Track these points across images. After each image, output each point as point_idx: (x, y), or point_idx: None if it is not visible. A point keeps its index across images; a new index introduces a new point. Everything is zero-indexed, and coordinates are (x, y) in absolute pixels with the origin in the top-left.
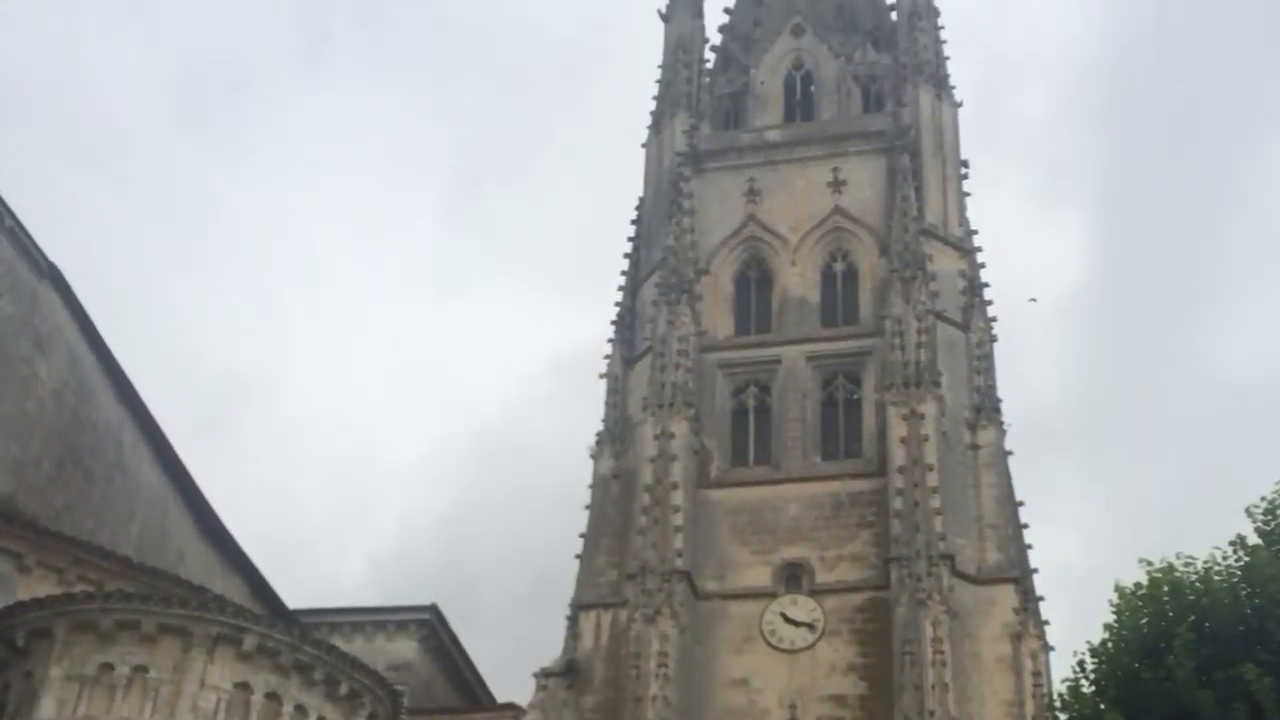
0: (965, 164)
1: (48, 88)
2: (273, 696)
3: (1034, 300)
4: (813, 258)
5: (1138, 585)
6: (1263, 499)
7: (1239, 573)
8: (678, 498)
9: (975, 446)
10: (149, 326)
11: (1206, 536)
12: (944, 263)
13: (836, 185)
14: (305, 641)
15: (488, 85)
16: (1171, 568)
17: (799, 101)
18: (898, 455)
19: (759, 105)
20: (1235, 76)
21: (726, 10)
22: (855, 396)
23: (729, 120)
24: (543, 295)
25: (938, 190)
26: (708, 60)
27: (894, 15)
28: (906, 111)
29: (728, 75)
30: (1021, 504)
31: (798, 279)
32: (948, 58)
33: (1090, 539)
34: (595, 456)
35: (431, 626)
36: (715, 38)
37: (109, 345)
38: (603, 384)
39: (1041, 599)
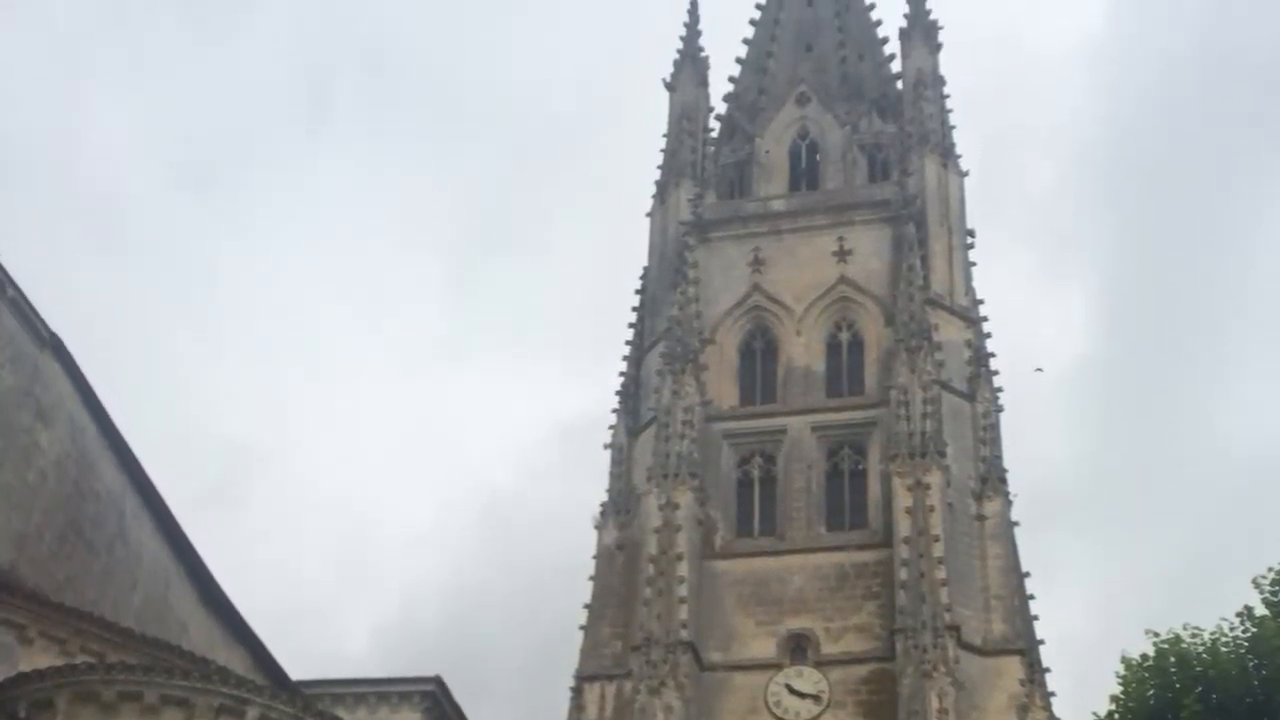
0: (971, 233)
1: (49, 156)
2: None
3: (1040, 370)
4: (818, 327)
5: (1144, 656)
6: (1270, 570)
7: (1246, 644)
8: (682, 568)
9: (981, 517)
10: (152, 396)
11: (1213, 607)
12: (950, 332)
13: (842, 254)
14: (308, 712)
15: (491, 155)
16: (1178, 639)
17: (804, 170)
18: (903, 526)
19: (764, 174)
20: (1240, 149)
21: (731, 79)
22: (860, 467)
23: (734, 189)
24: (547, 365)
25: (943, 260)
26: (712, 129)
27: (899, 84)
28: (912, 181)
29: (732, 144)
30: (1027, 575)
31: (803, 348)
32: (953, 127)
33: (1097, 610)
34: (599, 527)
35: (435, 698)
36: (720, 106)
37: (111, 415)
38: (607, 454)
39: (1048, 670)
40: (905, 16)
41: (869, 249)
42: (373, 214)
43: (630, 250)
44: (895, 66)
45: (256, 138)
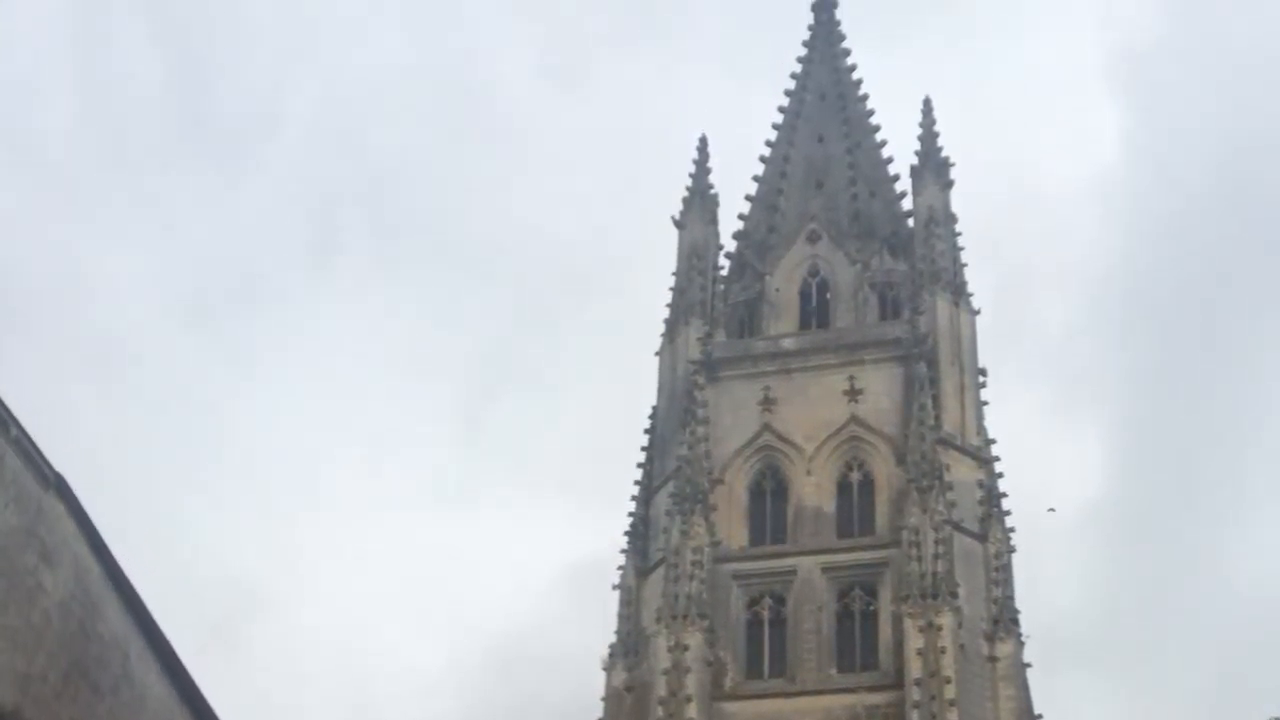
0: (983, 372)
1: (53, 295)
2: None
3: (1053, 510)
4: (828, 467)
5: None
6: None
7: None
8: (692, 710)
9: (993, 659)
10: (157, 536)
11: None
12: (961, 472)
13: (853, 394)
14: None
15: (499, 292)
16: None
17: (814, 308)
18: (915, 668)
19: (774, 312)
20: (1256, 287)
21: (741, 217)
22: (871, 608)
23: (743, 328)
24: (555, 505)
25: (955, 399)
26: (722, 267)
27: (911, 222)
28: (924, 319)
29: (742, 282)
30: (1040, 717)
31: (813, 489)
32: (965, 265)
33: None
34: (608, 669)
35: None
36: (729, 244)
37: (115, 556)
38: (616, 595)
39: None
40: (916, 154)
41: (880, 388)
42: (379, 353)
43: (639, 389)
44: (906, 204)
45: (260, 277)
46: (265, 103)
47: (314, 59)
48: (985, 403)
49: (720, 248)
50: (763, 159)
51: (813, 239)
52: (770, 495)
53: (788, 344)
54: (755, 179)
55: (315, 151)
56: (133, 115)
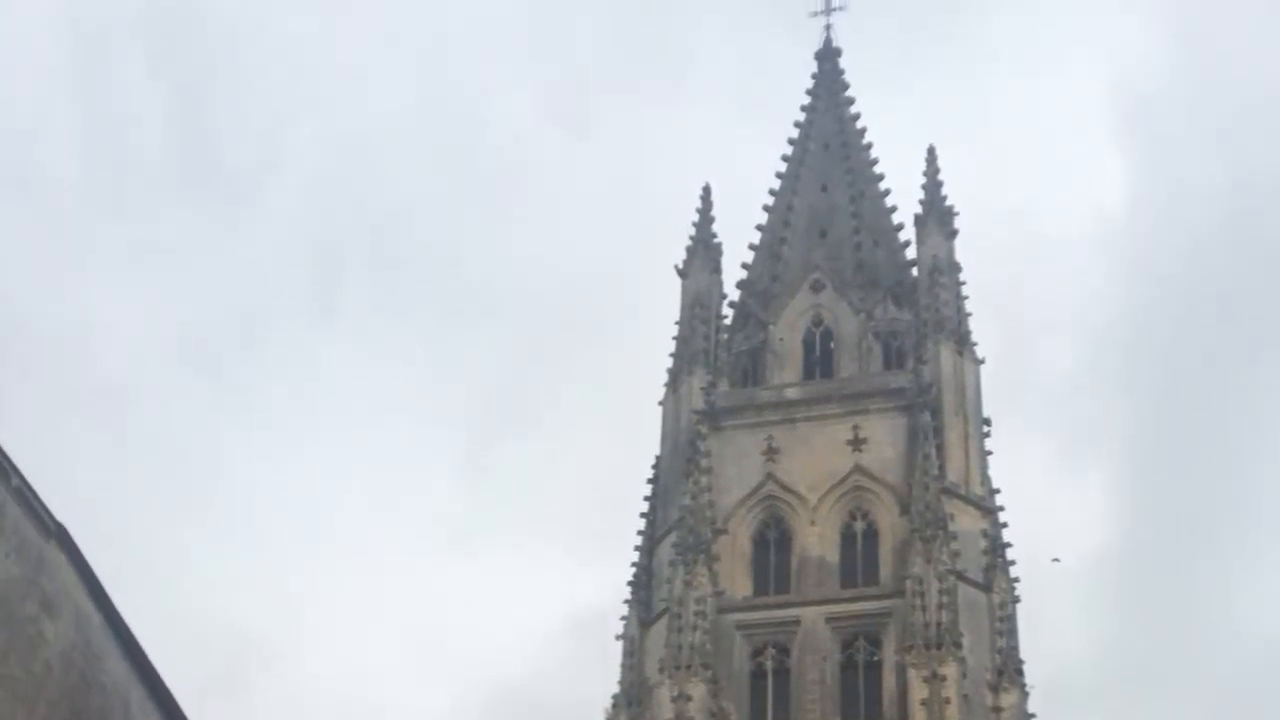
0: (987, 421)
1: (53, 343)
2: None
3: (1057, 560)
4: (832, 517)
5: None
6: None
7: None
8: None
9: (998, 709)
10: (157, 584)
11: None
12: (965, 522)
13: (856, 443)
14: None
15: (503, 339)
16: None
17: (818, 358)
18: (919, 718)
19: (777, 362)
20: (1263, 335)
21: (744, 266)
22: (875, 658)
23: (747, 377)
24: (559, 554)
25: (959, 448)
26: (725, 316)
27: (915, 271)
28: (928, 369)
29: (745, 331)
30: None
31: (817, 538)
32: (969, 314)
33: None
34: (611, 719)
35: None
36: (733, 293)
37: (116, 605)
38: (619, 645)
39: None
40: (920, 203)
41: (884, 438)
42: (381, 399)
43: (642, 438)
44: (910, 253)
45: (263, 323)
46: (267, 146)
47: (316, 102)
48: (989, 452)
49: (724, 296)
50: (766, 208)
51: (816, 288)
52: (774, 545)
53: (791, 394)
54: (759, 228)
55: (317, 195)
56: (134, 159)
